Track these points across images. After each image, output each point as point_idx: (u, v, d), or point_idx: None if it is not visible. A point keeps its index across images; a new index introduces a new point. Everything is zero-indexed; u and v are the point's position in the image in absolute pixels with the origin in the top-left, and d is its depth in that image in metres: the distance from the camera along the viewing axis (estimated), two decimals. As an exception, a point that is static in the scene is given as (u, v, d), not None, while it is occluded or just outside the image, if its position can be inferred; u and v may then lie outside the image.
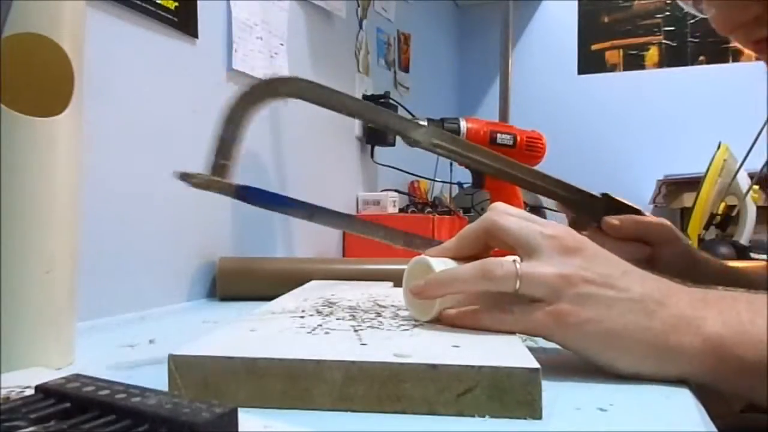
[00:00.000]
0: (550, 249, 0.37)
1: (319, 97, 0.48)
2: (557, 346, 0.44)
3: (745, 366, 0.34)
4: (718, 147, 1.49)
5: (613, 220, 0.56)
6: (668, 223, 0.59)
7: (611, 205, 0.57)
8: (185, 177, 0.45)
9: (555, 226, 0.39)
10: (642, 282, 0.37)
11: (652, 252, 0.57)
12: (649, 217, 0.58)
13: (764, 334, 0.34)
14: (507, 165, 0.51)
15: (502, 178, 0.51)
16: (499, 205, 0.41)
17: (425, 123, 0.93)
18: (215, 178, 0.48)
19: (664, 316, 0.35)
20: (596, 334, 0.35)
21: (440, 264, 0.41)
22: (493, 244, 0.41)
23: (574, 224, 0.56)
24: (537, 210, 1.31)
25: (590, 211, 0.56)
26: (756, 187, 1.40)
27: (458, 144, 0.50)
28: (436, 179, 1.49)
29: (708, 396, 0.35)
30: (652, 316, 0.35)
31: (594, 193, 0.56)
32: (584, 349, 0.36)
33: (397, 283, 0.64)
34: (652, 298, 0.36)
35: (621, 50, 2.21)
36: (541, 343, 0.45)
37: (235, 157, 0.48)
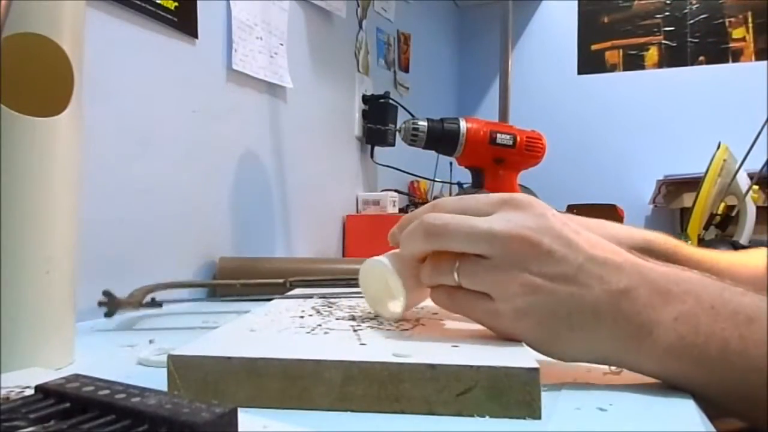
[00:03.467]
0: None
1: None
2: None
3: (690, 382, 0.34)
4: (718, 147, 1.49)
5: None
6: None
7: None
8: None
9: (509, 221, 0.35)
10: (601, 271, 0.34)
11: None
12: None
13: (715, 353, 0.32)
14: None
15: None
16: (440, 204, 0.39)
17: (424, 122, 0.93)
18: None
19: (616, 317, 0.33)
20: (540, 329, 0.34)
21: (394, 261, 0.40)
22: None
23: None
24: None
25: None
26: (756, 187, 1.40)
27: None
28: (436, 179, 1.49)
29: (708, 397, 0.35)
30: (599, 317, 0.33)
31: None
32: (526, 341, 0.35)
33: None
34: (609, 292, 0.34)
35: (621, 50, 2.21)
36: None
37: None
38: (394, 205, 1.35)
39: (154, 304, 0.58)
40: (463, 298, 0.37)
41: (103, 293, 0.56)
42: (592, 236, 0.36)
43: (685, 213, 1.64)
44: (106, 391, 0.23)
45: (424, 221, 0.37)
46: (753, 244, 1.37)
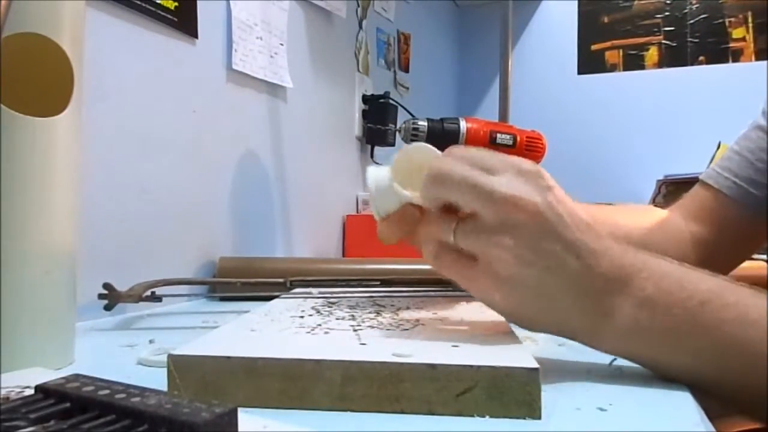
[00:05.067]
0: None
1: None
2: (557, 347, 0.44)
3: (647, 363, 0.36)
4: (718, 147, 1.49)
5: None
6: None
7: None
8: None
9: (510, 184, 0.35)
10: (585, 253, 0.35)
11: None
12: None
13: (668, 337, 0.34)
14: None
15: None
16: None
17: (424, 122, 0.93)
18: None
19: (587, 296, 0.35)
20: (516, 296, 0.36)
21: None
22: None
23: None
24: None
25: None
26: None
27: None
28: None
29: (708, 396, 0.36)
30: (574, 296, 0.35)
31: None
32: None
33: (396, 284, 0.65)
34: (588, 273, 0.35)
35: (621, 50, 2.21)
36: (542, 343, 0.45)
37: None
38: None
39: (154, 298, 0.58)
40: (448, 257, 0.37)
41: (104, 286, 0.56)
42: (581, 217, 0.37)
43: (685, 213, 1.64)
44: (106, 391, 0.23)
45: (432, 166, 0.37)
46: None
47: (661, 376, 0.36)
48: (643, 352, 0.36)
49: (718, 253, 0.65)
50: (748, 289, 0.35)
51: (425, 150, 0.41)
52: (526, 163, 0.36)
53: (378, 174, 0.41)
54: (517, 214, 0.34)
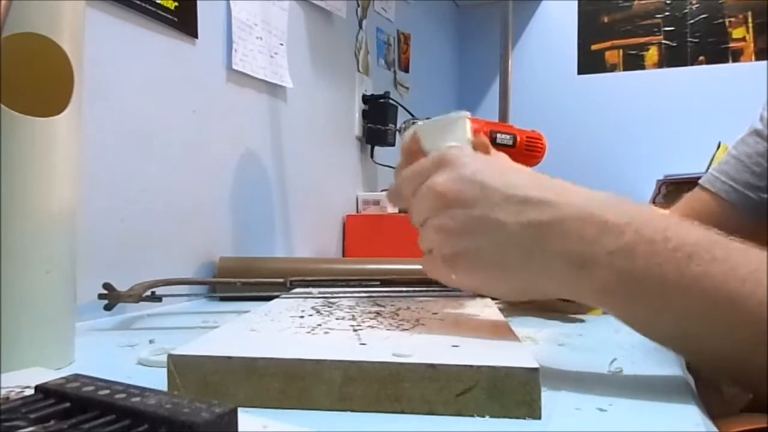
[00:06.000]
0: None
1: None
2: (557, 347, 0.45)
3: (629, 317, 0.34)
4: (718, 147, 1.49)
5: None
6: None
7: None
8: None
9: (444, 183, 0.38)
10: (519, 208, 0.35)
11: None
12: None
13: (653, 289, 0.32)
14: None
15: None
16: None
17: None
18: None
19: (544, 251, 0.34)
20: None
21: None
22: None
23: None
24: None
25: None
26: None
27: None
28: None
29: (708, 396, 0.35)
30: (526, 253, 0.34)
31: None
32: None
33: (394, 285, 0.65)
34: (530, 226, 0.34)
35: (621, 50, 2.21)
36: (542, 343, 0.45)
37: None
38: (393, 206, 1.34)
39: (154, 298, 0.58)
40: (424, 259, 0.40)
41: (104, 286, 0.56)
42: (522, 177, 0.37)
43: (685, 213, 1.64)
44: (106, 391, 0.23)
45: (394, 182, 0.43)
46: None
47: (651, 339, 0.34)
48: (627, 307, 0.33)
49: None
50: (739, 243, 0.33)
51: (457, 129, 0.44)
52: (444, 157, 0.39)
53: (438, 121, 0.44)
54: (430, 201, 0.37)
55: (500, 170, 0.37)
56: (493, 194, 0.35)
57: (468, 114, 0.44)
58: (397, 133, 1.00)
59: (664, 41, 2.16)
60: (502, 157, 0.43)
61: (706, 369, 0.34)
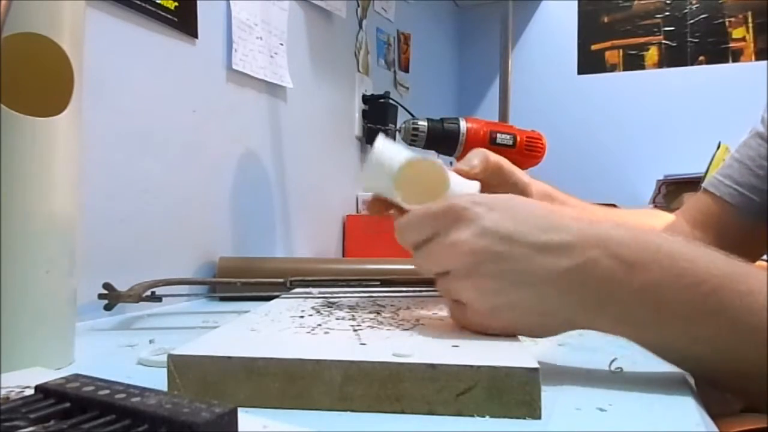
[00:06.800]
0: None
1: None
2: (557, 347, 0.45)
3: (649, 345, 0.36)
4: (718, 147, 1.49)
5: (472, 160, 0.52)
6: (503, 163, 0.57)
7: None
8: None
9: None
10: (552, 257, 0.36)
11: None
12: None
13: (678, 323, 0.33)
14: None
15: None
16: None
17: (424, 122, 0.93)
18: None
19: (580, 290, 0.35)
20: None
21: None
22: None
23: None
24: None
25: None
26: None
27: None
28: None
29: (708, 396, 0.35)
30: (564, 294, 0.35)
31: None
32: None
33: (392, 285, 0.65)
34: (567, 272, 0.35)
35: (621, 50, 2.21)
36: (542, 343, 0.45)
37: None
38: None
39: (154, 298, 0.58)
40: (453, 308, 0.40)
41: (104, 286, 0.56)
42: (536, 219, 0.37)
43: (685, 213, 1.63)
44: (106, 391, 0.23)
45: (397, 233, 0.41)
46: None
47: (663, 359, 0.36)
48: (648, 337, 0.35)
49: None
50: (755, 269, 0.34)
51: (437, 170, 0.43)
52: (448, 212, 0.38)
53: (384, 154, 0.43)
54: (461, 257, 0.37)
55: (513, 215, 0.38)
56: (520, 246, 0.36)
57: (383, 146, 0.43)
58: (397, 133, 1.00)
59: (664, 41, 2.16)
60: (508, 197, 0.42)
61: (719, 389, 0.35)
